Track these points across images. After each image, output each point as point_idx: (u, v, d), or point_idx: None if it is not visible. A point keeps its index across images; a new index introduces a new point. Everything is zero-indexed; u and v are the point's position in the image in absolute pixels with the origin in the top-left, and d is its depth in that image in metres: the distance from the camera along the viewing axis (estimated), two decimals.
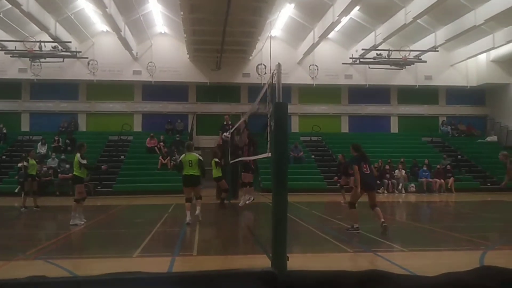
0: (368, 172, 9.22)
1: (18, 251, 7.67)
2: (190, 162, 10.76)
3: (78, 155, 10.77)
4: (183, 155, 11.07)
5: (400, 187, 22.44)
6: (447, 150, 26.18)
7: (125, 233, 10.38)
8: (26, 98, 26.43)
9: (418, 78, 27.15)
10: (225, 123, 19.66)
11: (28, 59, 22.74)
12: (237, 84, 26.99)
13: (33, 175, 14.68)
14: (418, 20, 20.78)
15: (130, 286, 0.65)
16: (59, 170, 21.29)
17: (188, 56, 25.61)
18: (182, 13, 19.23)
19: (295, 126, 27.46)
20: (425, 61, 24.06)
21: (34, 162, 15.06)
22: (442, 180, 22.49)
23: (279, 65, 6.14)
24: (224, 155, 17.67)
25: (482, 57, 26.51)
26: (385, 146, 25.61)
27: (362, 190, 9.16)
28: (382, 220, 9.09)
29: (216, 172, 14.60)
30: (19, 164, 20.67)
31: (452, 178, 22.66)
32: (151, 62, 25.79)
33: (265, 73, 24.64)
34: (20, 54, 22.19)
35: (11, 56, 22.70)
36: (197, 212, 10.93)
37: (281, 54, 23.94)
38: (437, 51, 23.89)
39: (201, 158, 11.02)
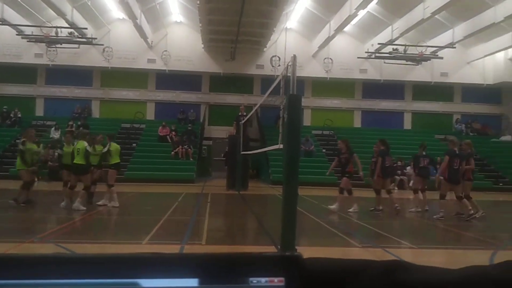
0: (457, 167, 10.88)
1: (30, 233, 7.78)
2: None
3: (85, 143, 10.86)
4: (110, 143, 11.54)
5: (410, 184, 22.28)
6: (460, 148, 25.86)
7: (135, 220, 10.47)
8: (41, 83, 26.68)
9: (433, 74, 26.84)
10: (240, 113, 19.74)
11: (44, 44, 22.91)
12: (251, 75, 26.94)
13: (69, 164, 11.46)
14: (436, 16, 20.49)
15: (153, 264, 0.64)
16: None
17: (202, 46, 25.60)
18: (198, 2, 19.20)
19: (307, 119, 27.36)
20: (442, 58, 23.74)
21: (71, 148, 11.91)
22: None
23: (294, 57, 6.11)
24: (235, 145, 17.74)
25: (500, 55, 26.08)
26: (397, 142, 25.39)
27: (448, 183, 10.99)
28: (471, 211, 10.59)
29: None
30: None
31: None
32: (166, 51, 25.84)
33: (279, 65, 24.55)
34: (37, 39, 22.37)
35: (27, 41, 22.91)
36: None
37: (295, 46, 23.77)
38: (455, 47, 23.54)
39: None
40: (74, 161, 10.82)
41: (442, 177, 11.95)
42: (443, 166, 11.24)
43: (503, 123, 28.29)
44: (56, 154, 21.13)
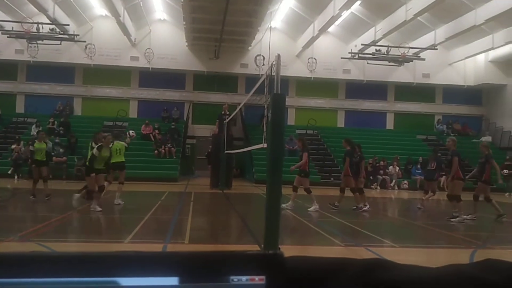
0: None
1: (10, 232, 7.65)
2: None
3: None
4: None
5: (393, 184, 22.53)
6: (442, 148, 26.19)
7: (118, 218, 10.39)
8: (22, 80, 26.24)
9: (416, 75, 27.14)
10: (223, 112, 19.69)
11: (25, 40, 22.48)
12: (235, 74, 26.89)
13: (39, 160, 12.21)
14: (418, 18, 20.72)
15: (133, 263, 0.63)
16: (53, 153, 21.16)
17: (186, 44, 25.46)
18: (182, 0, 19.10)
19: (291, 119, 27.44)
20: (424, 59, 24.02)
21: (44, 145, 12.64)
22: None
23: (278, 56, 6.12)
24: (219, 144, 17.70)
25: (481, 57, 26.51)
26: (380, 142, 25.67)
27: (462, 181, 11.35)
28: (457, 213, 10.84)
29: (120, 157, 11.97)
30: (13, 146, 20.64)
31: (445, 176, 22.71)
32: (149, 48, 25.63)
33: (263, 64, 24.56)
34: (17, 35, 21.96)
35: (8, 37, 22.47)
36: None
37: (280, 46, 23.74)
38: (436, 49, 23.87)
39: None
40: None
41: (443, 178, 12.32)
42: (456, 167, 11.12)
43: (483, 124, 28.74)
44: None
